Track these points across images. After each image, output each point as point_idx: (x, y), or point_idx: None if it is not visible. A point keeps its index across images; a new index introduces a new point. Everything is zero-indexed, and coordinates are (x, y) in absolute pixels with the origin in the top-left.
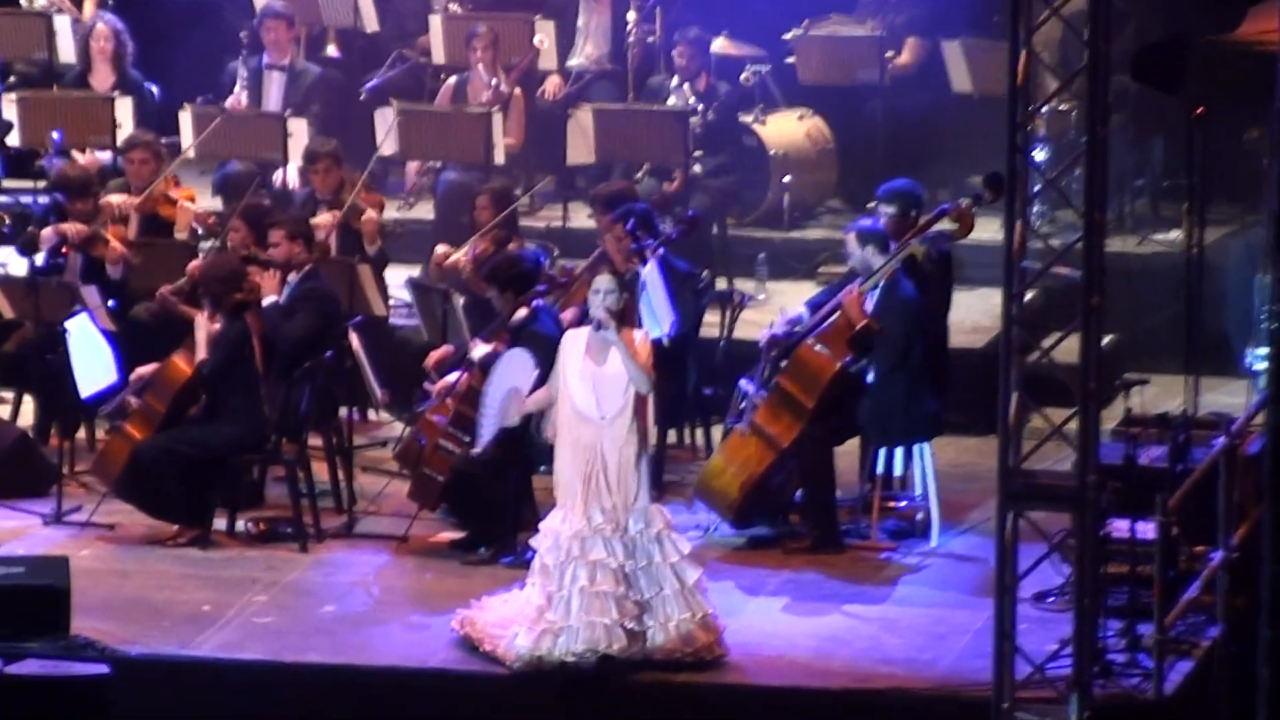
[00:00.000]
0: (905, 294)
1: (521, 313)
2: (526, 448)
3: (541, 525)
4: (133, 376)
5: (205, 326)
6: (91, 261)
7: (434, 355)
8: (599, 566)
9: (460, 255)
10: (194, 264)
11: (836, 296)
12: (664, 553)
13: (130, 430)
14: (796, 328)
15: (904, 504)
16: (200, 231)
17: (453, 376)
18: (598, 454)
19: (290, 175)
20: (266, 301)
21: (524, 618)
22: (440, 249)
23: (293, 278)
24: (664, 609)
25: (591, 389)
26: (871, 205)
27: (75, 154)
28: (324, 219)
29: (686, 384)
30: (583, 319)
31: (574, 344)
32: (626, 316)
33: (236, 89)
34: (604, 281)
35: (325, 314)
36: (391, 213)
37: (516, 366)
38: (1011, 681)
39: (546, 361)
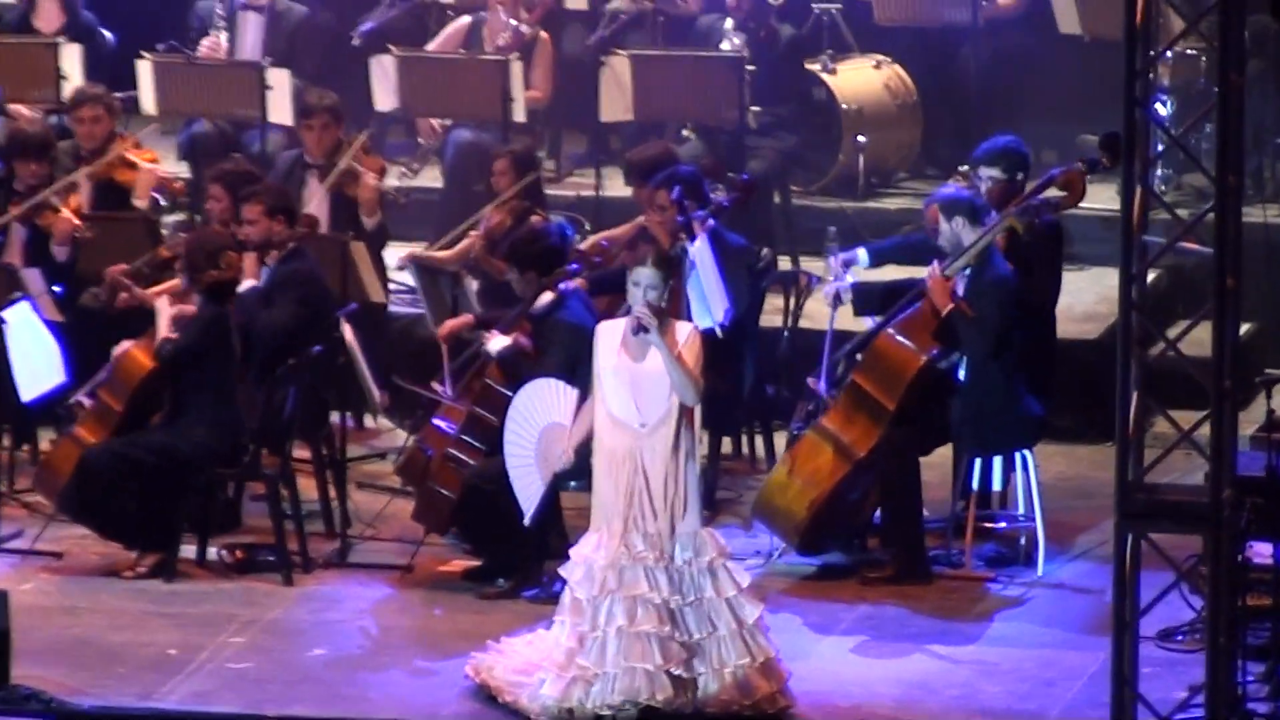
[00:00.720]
0: (999, 273)
1: (546, 298)
2: None
3: (572, 552)
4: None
5: (166, 310)
6: (37, 238)
7: (449, 324)
8: (640, 602)
9: (472, 236)
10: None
11: (922, 279)
12: (718, 586)
13: (81, 434)
14: (850, 271)
15: (1004, 525)
16: (163, 203)
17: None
18: (638, 468)
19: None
20: (243, 287)
21: (551, 663)
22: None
23: (273, 259)
24: (718, 652)
25: (629, 391)
26: (963, 169)
27: (19, 109)
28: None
29: (743, 382)
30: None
31: (608, 337)
32: (670, 305)
33: (211, 33)
34: (646, 274)
35: (310, 301)
36: (393, 180)
37: (544, 398)
38: None
39: (579, 357)
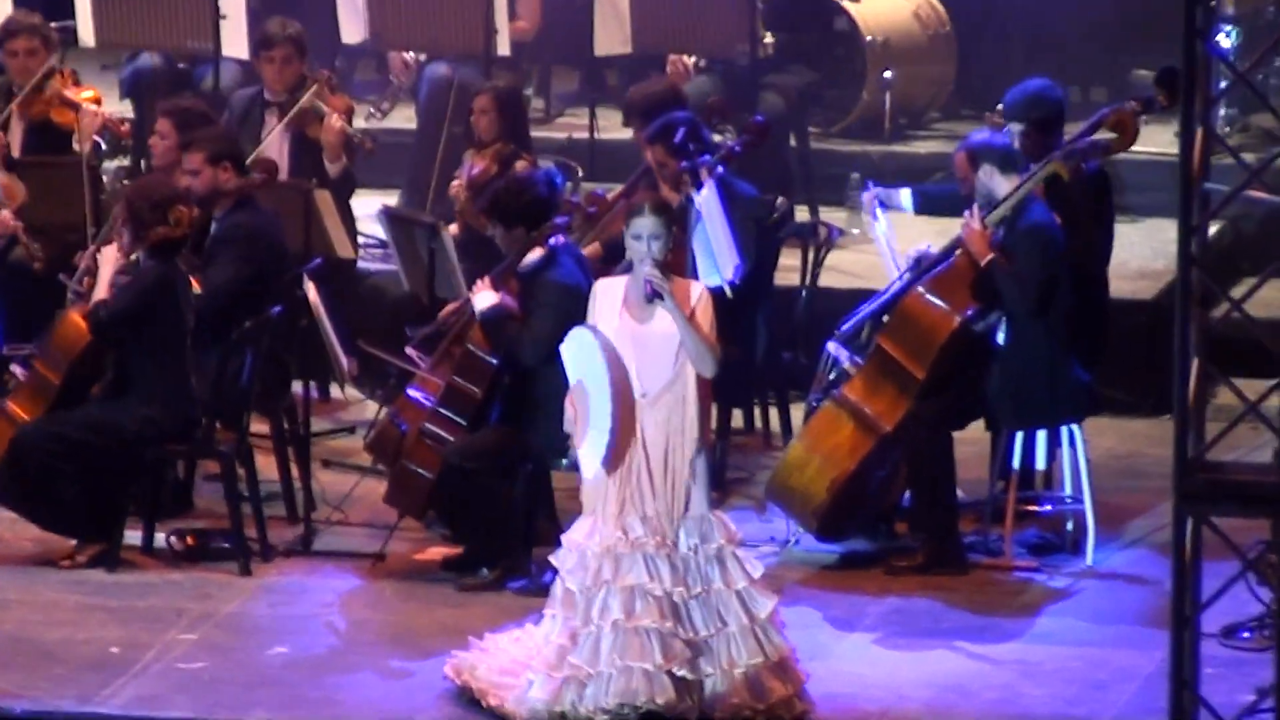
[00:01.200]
0: (1036, 220)
1: (535, 254)
2: (541, 435)
3: (564, 538)
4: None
5: (112, 261)
6: None
7: (450, 309)
8: (638, 593)
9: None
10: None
11: (958, 233)
12: (727, 576)
13: (14, 410)
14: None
15: (1048, 508)
16: (104, 146)
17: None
18: (638, 443)
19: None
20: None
21: (541, 661)
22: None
23: (221, 210)
24: (727, 651)
25: (631, 356)
26: (1000, 108)
27: None
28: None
29: (755, 347)
30: (610, 259)
31: (607, 296)
32: (675, 265)
33: None
34: (647, 223)
35: (255, 259)
36: (360, 122)
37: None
38: None
39: (571, 320)
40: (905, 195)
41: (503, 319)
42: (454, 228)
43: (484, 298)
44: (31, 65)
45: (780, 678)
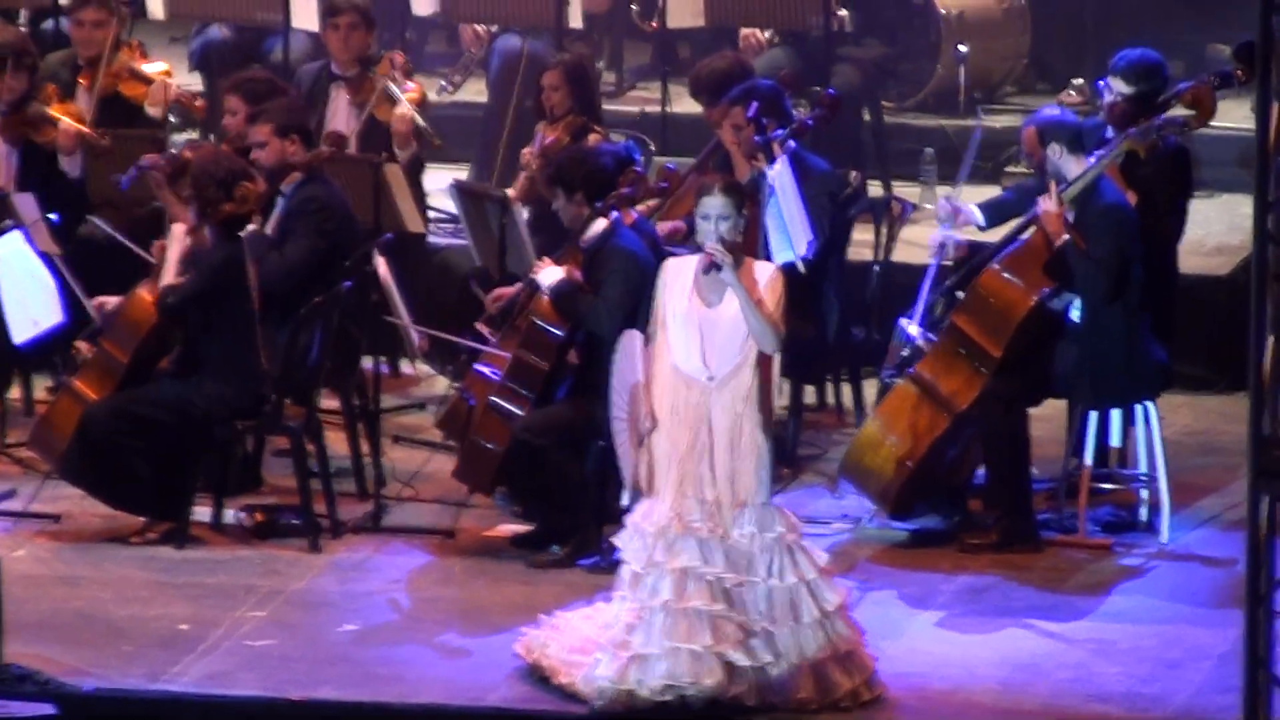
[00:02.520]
0: (1110, 200)
1: (598, 226)
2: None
3: (627, 519)
4: (95, 303)
5: (181, 240)
6: (29, 160)
7: (495, 295)
8: (690, 575)
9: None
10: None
11: (1032, 209)
12: (797, 569)
13: (81, 388)
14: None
15: (1123, 486)
16: (175, 120)
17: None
18: (704, 427)
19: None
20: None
21: (609, 640)
22: (527, 151)
23: (288, 186)
24: (796, 643)
25: (699, 339)
26: (1077, 82)
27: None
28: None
29: (828, 324)
30: (686, 240)
31: (677, 276)
32: (747, 241)
33: None
34: (715, 203)
35: (328, 231)
36: (431, 95)
37: (628, 352)
38: None
39: (640, 290)
40: (977, 213)
41: (574, 291)
42: (512, 191)
43: (549, 273)
44: (98, 37)
45: (846, 669)
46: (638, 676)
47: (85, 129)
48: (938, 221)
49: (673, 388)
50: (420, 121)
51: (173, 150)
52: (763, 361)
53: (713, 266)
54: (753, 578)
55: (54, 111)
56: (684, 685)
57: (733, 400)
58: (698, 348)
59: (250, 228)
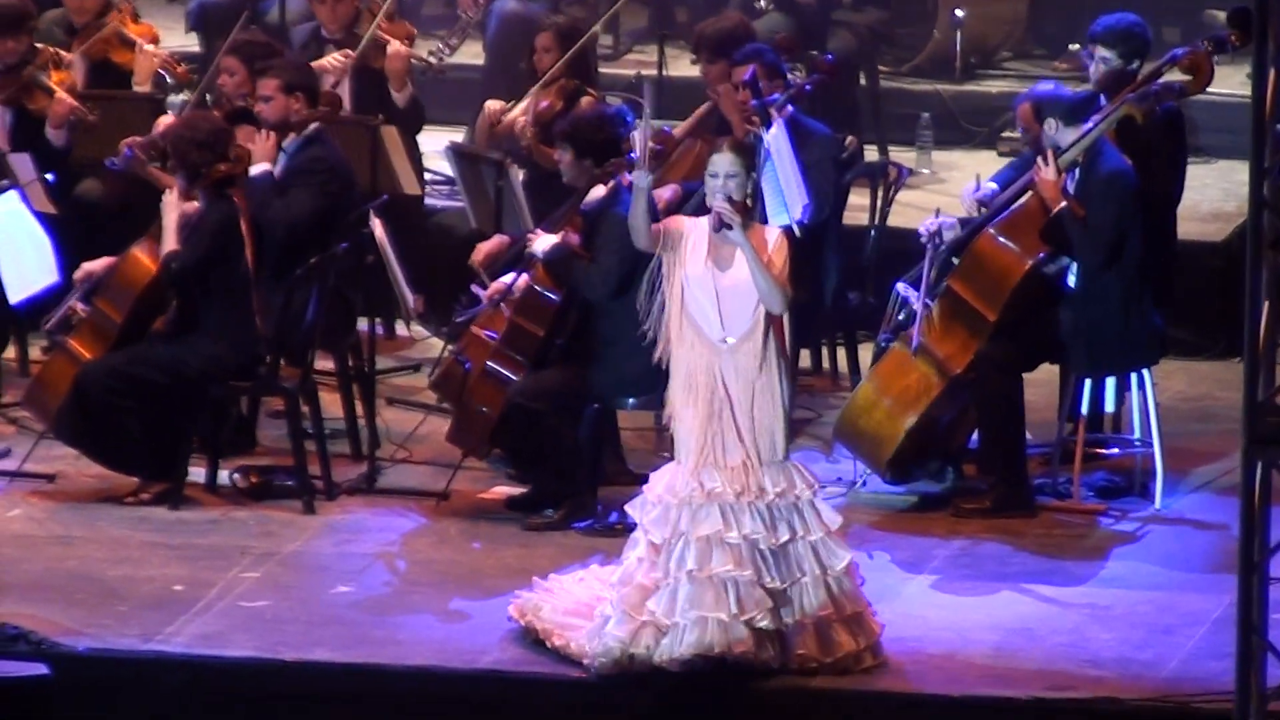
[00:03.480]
0: (1113, 167)
1: (599, 190)
2: (607, 374)
3: (646, 488)
4: (79, 274)
5: (175, 206)
6: (23, 121)
7: (482, 248)
8: (714, 543)
9: (518, 113)
10: (162, 121)
11: (1028, 173)
12: (804, 526)
13: (76, 348)
14: (982, 210)
15: (1117, 451)
16: (170, 81)
17: (508, 278)
18: (721, 389)
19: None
20: (255, 170)
21: (622, 599)
22: (492, 104)
23: (290, 143)
24: (800, 601)
25: (714, 301)
26: (1074, 48)
27: None
28: (332, 60)
29: (824, 288)
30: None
31: (694, 235)
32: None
33: None
34: (724, 161)
35: (331, 192)
36: (424, 54)
37: None
38: (1261, 690)
39: (638, 256)
40: (993, 188)
41: (567, 257)
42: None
43: (542, 241)
44: (87, 3)
45: (851, 631)
46: (648, 643)
47: (77, 104)
48: (965, 210)
49: (688, 348)
50: (414, 53)
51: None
52: (774, 322)
53: (722, 225)
54: (784, 536)
55: (52, 82)
56: (716, 653)
57: (748, 362)
58: (714, 310)
59: (264, 167)
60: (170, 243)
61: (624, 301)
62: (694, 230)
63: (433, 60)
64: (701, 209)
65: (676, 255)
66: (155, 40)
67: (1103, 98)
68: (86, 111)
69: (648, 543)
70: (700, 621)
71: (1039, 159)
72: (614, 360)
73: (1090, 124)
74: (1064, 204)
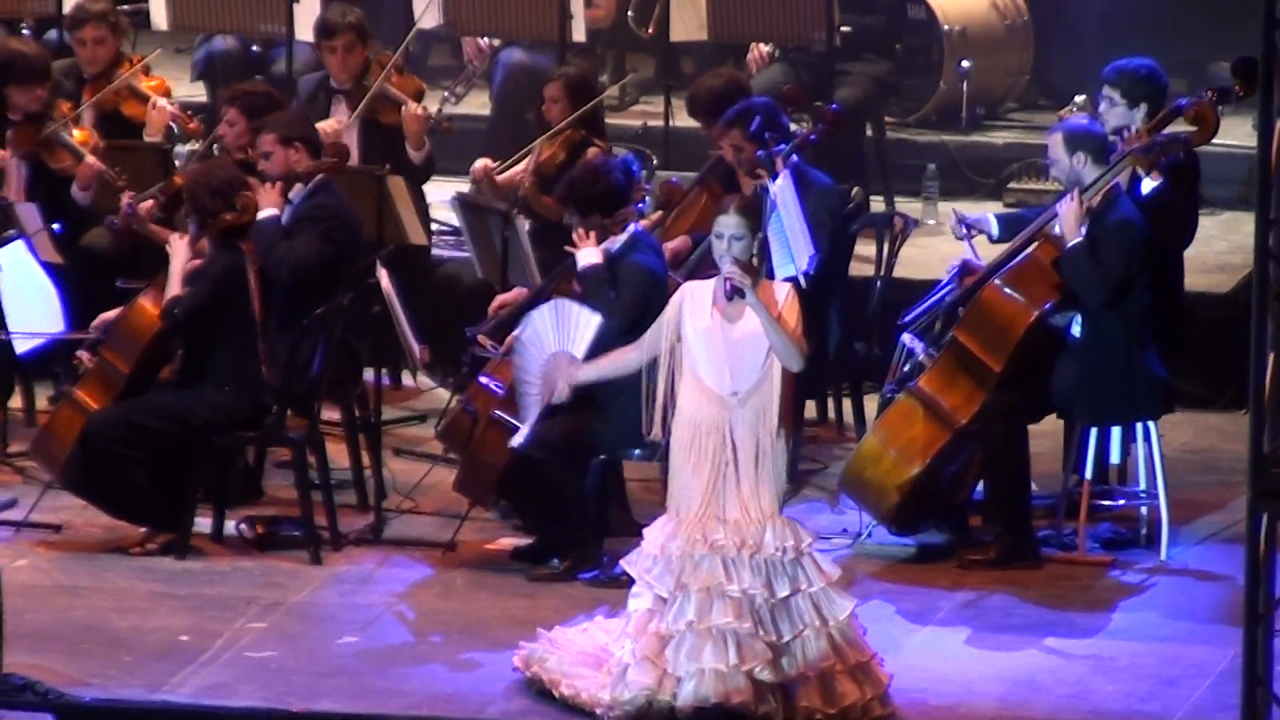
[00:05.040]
0: (1123, 214)
1: (615, 240)
2: (613, 424)
3: (645, 543)
4: (95, 323)
5: (182, 253)
6: (37, 173)
7: (500, 300)
8: (714, 594)
9: (526, 164)
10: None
11: (1033, 223)
12: (806, 578)
13: (83, 398)
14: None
15: (1122, 503)
16: (177, 132)
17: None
18: (725, 442)
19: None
20: (263, 215)
21: (641, 647)
22: (480, 163)
23: (296, 194)
24: (802, 653)
25: (723, 354)
26: (1080, 99)
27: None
28: (325, 126)
29: (829, 339)
30: (691, 255)
31: (698, 296)
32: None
33: None
34: (730, 223)
35: (337, 240)
36: (433, 107)
37: (559, 319)
38: None
39: (646, 307)
40: (993, 220)
41: (603, 281)
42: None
43: (588, 254)
44: (100, 54)
45: (856, 681)
46: (672, 689)
47: (105, 168)
48: (955, 237)
49: (695, 402)
50: (430, 113)
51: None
52: (785, 377)
53: (735, 293)
54: (783, 592)
55: (75, 142)
56: (710, 706)
57: (755, 416)
58: (724, 363)
59: (270, 211)
60: (174, 288)
61: None
62: (698, 290)
63: (446, 124)
64: (706, 259)
65: (685, 312)
66: (168, 94)
67: (1117, 144)
68: (115, 176)
69: (654, 595)
70: (699, 674)
71: (1065, 197)
72: (619, 411)
73: (1104, 169)
74: (1079, 239)
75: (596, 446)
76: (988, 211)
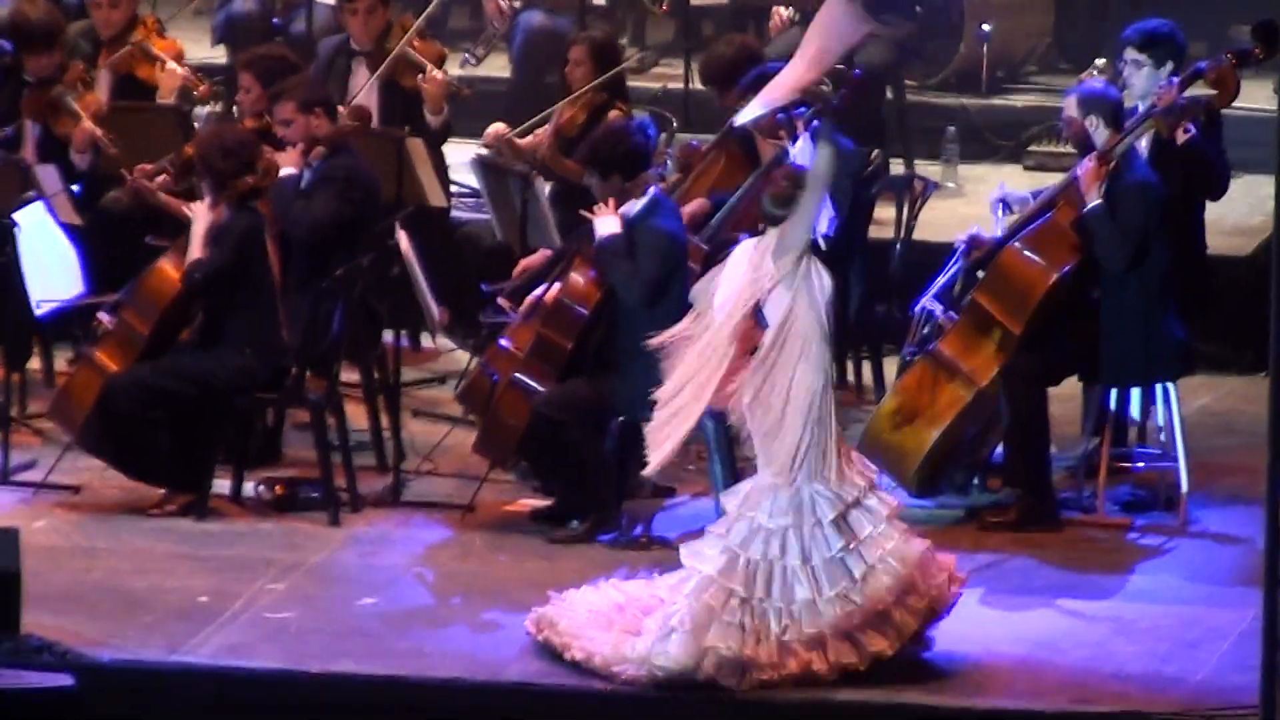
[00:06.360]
0: (1140, 176)
1: (635, 203)
2: (633, 386)
3: (734, 504)
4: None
5: (204, 217)
6: (52, 134)
7: (524, 263)
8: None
9: (539, 132)
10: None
11: (1052, 186)
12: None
13: (102, 360)
14: (1000, 215)
15: (1142, 465)
16: (195, 95)
17: (539, 290)
18: (827, 401)
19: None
20: (283, 174)
21: (690, 619)
22: (494, 128)
23: (317, 158)
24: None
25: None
26: (1100, 62)
27: None
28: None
29: (849, 301)
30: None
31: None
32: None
33: None
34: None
35: (355, 200)
36: (453, 69)
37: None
38: None
39: (667, 274)
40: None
41: (621, 250)
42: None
43: (606, 223)
44: (115, 17)
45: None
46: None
47: (99, 133)
48: (994, 215)
49: (802, 367)
50: (451, 79)
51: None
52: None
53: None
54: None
55: (78, 105)
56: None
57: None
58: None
59: (290, 171)
60: (196, 252)
61: (648, 316)
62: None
63: (465, 90)
64: (726, 222)
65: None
66: (180, 56)
67: (1139, 104)
68: (109, 143)
69: (725, 560)
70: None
71: (1085, 160)
72: (635, 373)
73: (1122, 133)
74: (1099, 200)
75: (617, 408)
76: (1027, 195)
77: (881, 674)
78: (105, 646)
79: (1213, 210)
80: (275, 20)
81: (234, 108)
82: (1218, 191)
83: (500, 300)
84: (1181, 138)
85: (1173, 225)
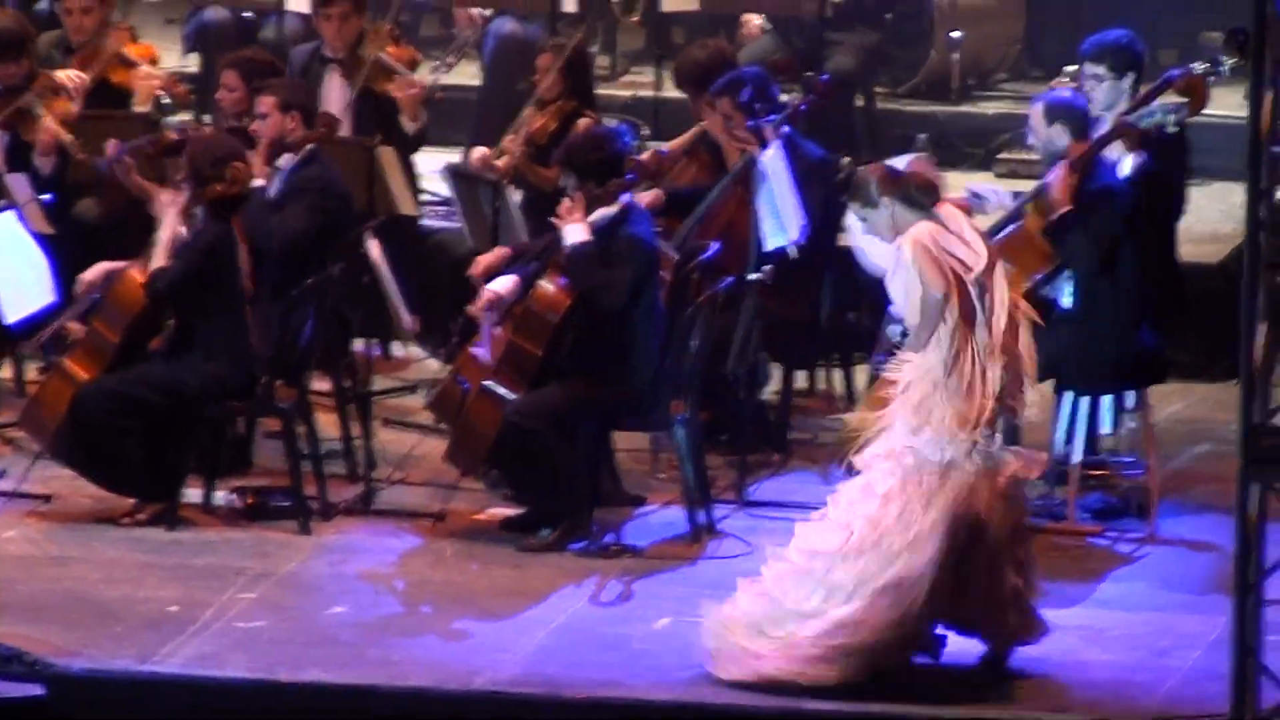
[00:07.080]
0: (1106, 184)
1: (610, 210)
2: (605, 392)
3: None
4: (80, 285)
5: (170, 223)
6: (21, 142)
7: (481, 261)
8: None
9: (507, 139)
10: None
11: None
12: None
13: (72, 368)
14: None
15: (1112, 473)
16: (168, 102)
17: (498, 282)
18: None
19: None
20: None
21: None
22: (478, 152)
23: (286, 162)
24: None
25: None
26: (1071, 69)
27: None
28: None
29: (819, 309)
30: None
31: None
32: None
33: None
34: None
35: (328, 209)
36: (425, 75)
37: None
38: (1256, 711)
39: (640, 281)
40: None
41: (591, 257)
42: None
43: (575, 230)
44: (86, 23)
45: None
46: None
47: (66, 137)
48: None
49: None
50: (426, 83)
51: (147, 137)
52: None
53: None
54: None
55: (48, 110)
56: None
57: None
58: None
59: (258, 182)
60: (161, 258)
61: (631, 322)
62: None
63: (438, 94)
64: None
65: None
66: (154, 61)
67: (1102, 120)
68: (77, 148)
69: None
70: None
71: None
72: (631, 374)
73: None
74: (1069, 208)
75: (588, 414)
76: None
77: (851, 685)
78: (76, 656)
79: (1185, 218)
80: (246, 18)
81: (204, 118)
82: (1172, 213)
83: (470, 310)
84: (1129, 165)
85: (1141, 234)
